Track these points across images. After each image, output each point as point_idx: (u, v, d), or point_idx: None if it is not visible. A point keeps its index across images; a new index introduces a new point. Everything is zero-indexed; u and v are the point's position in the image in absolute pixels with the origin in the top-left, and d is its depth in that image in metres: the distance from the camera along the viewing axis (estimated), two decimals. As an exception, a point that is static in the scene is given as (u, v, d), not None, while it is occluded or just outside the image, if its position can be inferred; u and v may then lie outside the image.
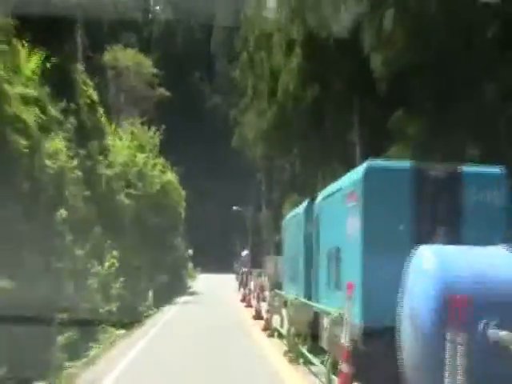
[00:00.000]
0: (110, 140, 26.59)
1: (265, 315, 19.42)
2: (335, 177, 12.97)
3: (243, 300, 32.09)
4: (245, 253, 45.02)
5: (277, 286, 34.62)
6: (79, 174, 17.48)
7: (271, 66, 34.52)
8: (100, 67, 34.14)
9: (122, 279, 19.93)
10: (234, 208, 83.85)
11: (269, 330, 18.11)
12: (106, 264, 18.65)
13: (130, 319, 19.51)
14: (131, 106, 37.02)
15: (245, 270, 40.63)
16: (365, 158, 13.02)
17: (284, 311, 16.43)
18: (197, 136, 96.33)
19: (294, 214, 16.19)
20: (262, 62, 36.64)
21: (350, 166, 16.28)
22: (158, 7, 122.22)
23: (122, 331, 17.93)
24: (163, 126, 40.31)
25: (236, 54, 69.21)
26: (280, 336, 16.72)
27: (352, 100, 28.65)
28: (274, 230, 49.77)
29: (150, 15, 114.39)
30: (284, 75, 31.76)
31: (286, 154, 44.44)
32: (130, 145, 33.22)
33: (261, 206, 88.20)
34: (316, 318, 12.19)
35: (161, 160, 40.98)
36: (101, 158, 21.63)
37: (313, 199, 13.83)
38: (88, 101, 22.39)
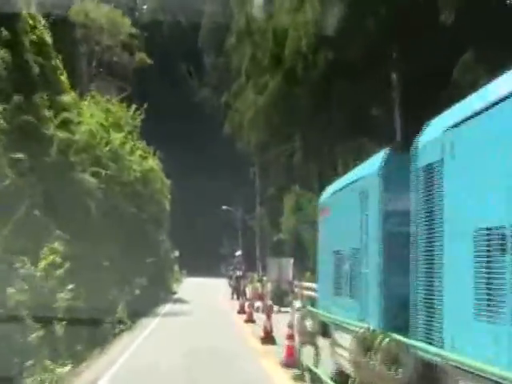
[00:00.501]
0: (72, 107, 20.02)
1: (287, 343, 12.84)
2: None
3: (241, 311, 25.66)
4: (238, 253, 38.21)
5: (280, 294, 28.65)
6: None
7: (275, 27, 28.17)
8: (66, 24, 27.63)
9: (71, 286, 13.33)
10: (224, 208, 77.27)
11: (293, 366, 11.70)
12: (42, 262, 12.08)
13: (83, 344, 12.97)
14: (106, 74, 30.40)
15: (239, 273, 34.05)
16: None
17: (322, 341, 10.09)
18: (183, 130, 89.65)
19: (349, 183, 9.64)
20: (262, 25, 30.29)
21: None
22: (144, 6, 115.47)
23: (66, 368, 11.30)
24: (145, 106, 33.86)
25: (225, 48, 63.39)
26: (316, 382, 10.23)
27: (388, 51, 22.29)
28: (271, 228, 43.04)
29: (137, 13, 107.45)
30: (292, 32, 25.43)
31: (284, 140, 38.14)
32: (102, 122, 26.68)
33: (252, 205, 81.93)
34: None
35: (142, 144, 34.45)
36: (48, 113, 15.07)
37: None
38: (35, 39, 15.91)
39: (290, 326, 12.68)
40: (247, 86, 39.06)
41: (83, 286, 14.59)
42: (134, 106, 32.75)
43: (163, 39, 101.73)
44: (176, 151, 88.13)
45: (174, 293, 41.91)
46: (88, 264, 15.71)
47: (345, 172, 12.64)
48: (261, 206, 53.75)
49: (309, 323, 10.97)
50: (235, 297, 33.55)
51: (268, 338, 15.80)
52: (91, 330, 14.89)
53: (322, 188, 34.77)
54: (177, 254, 72.38)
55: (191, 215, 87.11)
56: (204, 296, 37.28)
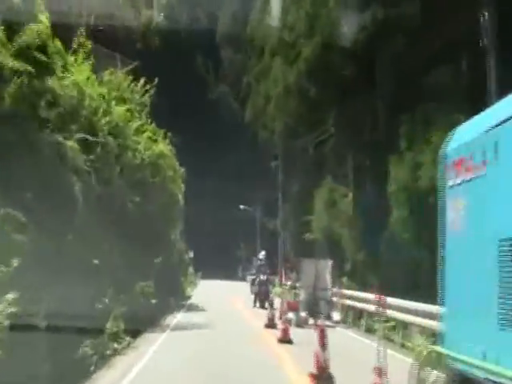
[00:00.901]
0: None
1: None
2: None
3: (270, 325, 20.36)
4: (262, 254, 31.98)
5: (315, 304, 23.15)
6: None
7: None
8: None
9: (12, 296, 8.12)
10: (241, 207, 72.02)
11: None
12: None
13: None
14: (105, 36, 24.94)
15: (263, 278, 28.43)
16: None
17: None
18: (199, 125, 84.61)
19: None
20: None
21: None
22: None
23: None
24: (155, 81, 28.66)
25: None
26: None
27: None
28: (298, 227, 37.71)
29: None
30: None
31: (315, 125, 32.89)
32: (101, 92, 21.53)
33: (272, 204, 76.53)
34: None
35: (151, 126, 29.27)
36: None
37: None
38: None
39: (379, 372, 7.37)
40: (273, 64, 33.93)
41: (46, 290, 9.40)
42: (142, 81, 27.59)
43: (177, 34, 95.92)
44: (190, 146, 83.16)
45: (188, 297, 36.70)
46: (58, 261, 10.56)
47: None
48: (284, 203, 48.33)
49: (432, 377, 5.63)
50: (258, 304, 28.29)
51: (321, 373, 10.47)
52: (57, 357, 9.67)
53: (359, 181, 29.35)
54: (191, 255, 67.54)
55: (205, 214, 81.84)
56: (221, 302, 32.05)
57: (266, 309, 23.24)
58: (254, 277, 28.28)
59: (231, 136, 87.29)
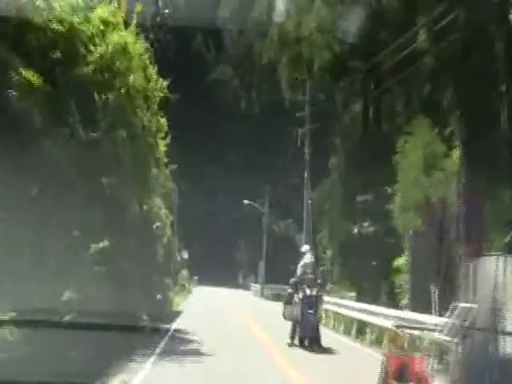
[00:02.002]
0: None
1: None
2: None
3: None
4: (306, 247, 16.26)
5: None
6: None
7: None
8: None
9: None
10: (246, 202, 58.55)
11: None
12: None
13: None
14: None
15: (310, 292, 14.16)
16: None
17: None
18: (196, 111, 71.40)
19: None
20: None
21: None
22: None
23: None
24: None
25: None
26: None
27: None
28: (341, 216, 23.54)
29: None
30: None
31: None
32: None
33: (282, 200, 63.47)
34: None
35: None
36: None
37: None
38: None
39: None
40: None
41: None
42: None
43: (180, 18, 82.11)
44: (187, 136, 70.35)
45: (177, 314, 23.25)
46: None
47: None
48: (310, 189, 34.68)
49: None
50: (297, 341, 14.58)
51: None
52: None
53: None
54: (185, 255, 54.18)
55: (202, 211, 68.57)
56: (228, 326, 18.74)
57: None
58: (291, 290, 13.81)
59: (231, 124, 74.72)
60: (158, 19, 57.21)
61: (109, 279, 10.81)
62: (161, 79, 14.17)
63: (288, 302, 14.48)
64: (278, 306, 29.14)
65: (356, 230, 20.29)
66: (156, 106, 14.32)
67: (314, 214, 32.43)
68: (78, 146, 10.97)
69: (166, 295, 25.40)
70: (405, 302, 15.02)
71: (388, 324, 12.86)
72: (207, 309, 26.84)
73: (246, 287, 64.11)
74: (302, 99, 34.77)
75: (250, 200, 59.23)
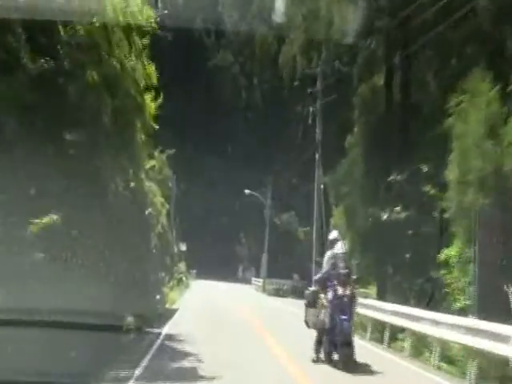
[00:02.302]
0: None
1: None
2: None
3: None
4: (335, 234, 11.55)
5: None
6: None
7: None
8: None
9: None
10: (247, 192, 55.12)
11: None
12: None
13: None
14: None
15: (343, 292, 10.30)
16: None
17: None
18: (194, 97, 67.83)
19: None
20: None
21: None
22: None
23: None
24: None
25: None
26: None
27: None
28: (366, 200, 19.88)
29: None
30: None
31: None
32: None
33: (285, 190, 59.94)
34: None
35: None
36: None
37: None
38: None
39: None
40: None
41: None
42: None
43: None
44: (187, 125, 66.94)
45: (172, 313, 19.78)
46: None
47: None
48: (322, 173, 31.11)
49: None
50: (322, 355, 11.07)
51: None
52: None
53: None
54: (183, 247, 50.86)
55: (202, 203, 65.18)
56: (231, 330, 15.31)
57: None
58: (314, 288, 10.12)
59: (231, 112, 71.26)
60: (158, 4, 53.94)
61: (69, 269, 7.40)
62: (146, 8, 10.51)
63: (311, 304, 10.98)
64: (287, 305, 26.32)
65: (385, 217, 16.76)
66: (141, 45, 10.74)
67: (327, 200, 29.19)
68: (25, 85, 7.54)
69: (159, 291, 22.04)
70: (460, 304, 11.60)
71: (452, 336, 9.49)
72: (206, 307, 23.46)
73: (247, 281, 60.78)
74: (310, 75, 31.14)
75: (252, 190, 55.76)
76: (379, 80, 20.60)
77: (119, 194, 11.55)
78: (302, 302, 11.79)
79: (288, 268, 64.14)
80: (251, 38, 74.14)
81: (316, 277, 11.47)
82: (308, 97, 31.62)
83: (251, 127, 71.11)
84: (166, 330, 14.68)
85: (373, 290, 19.96)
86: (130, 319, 13.05)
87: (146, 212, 22.36)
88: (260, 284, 43.46)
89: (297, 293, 47.01)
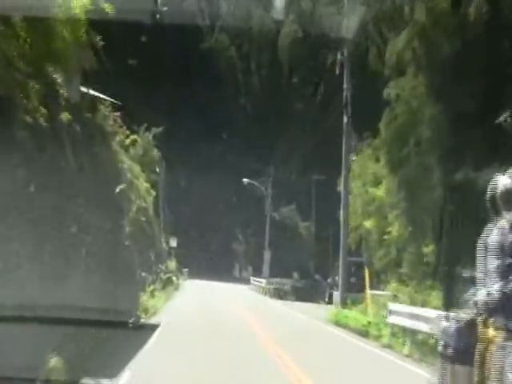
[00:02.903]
0: None
1: None
2: None
3: None
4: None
5: None
6: None
7: None
8: None
9: None
10: (245, 181, 48.63)
11: None
12: None
13: None
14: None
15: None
16: None
17: None
18: (189, 81, 61.06)
19: None
20: None
21: None
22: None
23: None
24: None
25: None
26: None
27: None
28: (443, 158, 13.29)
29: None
30: None
31: None
32: None
33: (286, 179, 53.45)
34: None
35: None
36: None
37: None
38: None
39: None
40: None
41: None
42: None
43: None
44: (181, 111, 60.23)
45: (146, 334, 13.04)
46: None
47: None
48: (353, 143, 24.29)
49: None
50: None
51: None
52: None
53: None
54: (173, 243, 44.42)
55: (196, 195, 58.56)
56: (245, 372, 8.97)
57: None
58: (466, 315, 4.09)
59: (232, 97, 64.77)
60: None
61: None
62: None
63: (462, 354, 4.55)
64: (310, 317, 20.10)
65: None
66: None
67: (356, 176, 23.28)
68: None
69: (134, 299, 15.55)
70: None
71: None
72: (200, 320, 16.86)
73: (244, 281, 54.30)
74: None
75: (251, 180, 49.32)
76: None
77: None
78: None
79: (288, 266, 57.65)
80: (248, 20, 67.82)
81: (478, 274, 4.67)
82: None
83: (250, 113, 64.80)
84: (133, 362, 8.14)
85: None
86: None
87: (117, 189, 16.02)
88: (262, 285, 37.00)
89: (298, 293, 40.69)
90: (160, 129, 36.45)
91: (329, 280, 35.54)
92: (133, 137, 28.13)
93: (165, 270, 35.19)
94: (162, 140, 38.72)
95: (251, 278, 46.02)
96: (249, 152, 57.62)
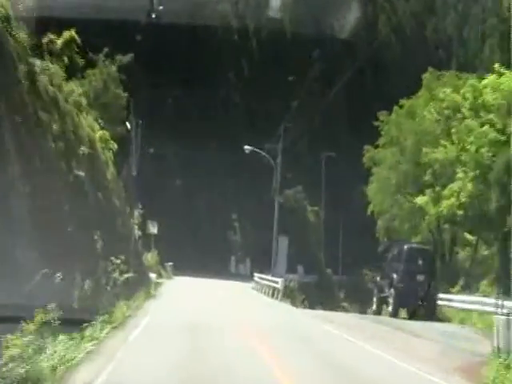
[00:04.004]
0: None
1: None
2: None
3: None
4: None
5: None
6: None
7: None
8: None
9: None
10: (247, 149, 36.53)
11: None
12: None
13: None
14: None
15: None
16: None
17: None
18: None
19: None
20: None
21: None
22: None
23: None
24: None
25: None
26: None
27: None
28: None
29: None
30: None
31: None
32: None
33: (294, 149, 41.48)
34: None
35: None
36: None
37: None
38: None
39: None
40: None
41: None
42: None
43: None
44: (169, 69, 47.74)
45: None
46: None
47: None
48: None
49: None
50: None
51: None
52: None
53: None
54: (153, 229, 32.57)
55: (182, 169, 46.23)
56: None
57: None
58: None
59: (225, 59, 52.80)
60: None
61: None
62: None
63: None
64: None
65: None
66: None
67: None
68: None
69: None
70: None
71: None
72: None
73: (242, 277, 43.62)
74: None
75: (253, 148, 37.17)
76: None
77: None
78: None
79: (295, 257, 46.95)
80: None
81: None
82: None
83: (247, 77, 53.02)
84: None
85: None
86: None
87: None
88: (278, 285, 24.83)
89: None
90: (129, 56, 24.53)
91: (376, 278, 23.79)
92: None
93: (141, 265, 23.54)
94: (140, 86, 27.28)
95: (255, 274, 33.99)
96: (249, 118, 45.88)
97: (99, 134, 18.13)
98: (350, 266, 47.57)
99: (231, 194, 49.22)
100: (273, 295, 26.17)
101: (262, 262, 40.87)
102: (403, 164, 28.72)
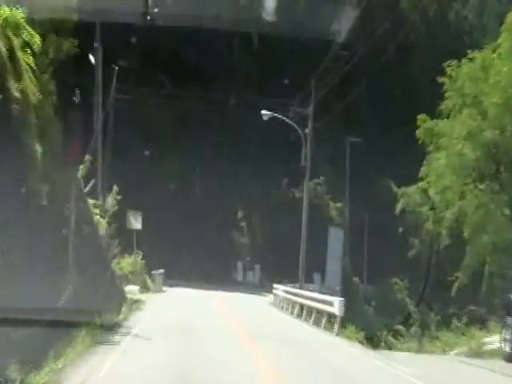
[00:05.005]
0: None
1: None
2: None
3: None
4: None
5: None
6: None
7: None
8: None
9: None
10: (265, 114, 26.58)
11: None
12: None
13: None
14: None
15: None
16: None
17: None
18: None
19: None
20: None
21: None
22: None
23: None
24: None
25: None
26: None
27: None
28: None
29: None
30: None
31: None
32: None
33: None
34: None
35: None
36: None
37: None
38: None
39: None
40: None
41: None
42: None
43: None
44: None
45: None
46: None
47: None
48: None
49: None
50: None
51: None
52: None
53: None
54: (137, 223, 22.41)
55: (177, 148, 36.15)
56: None
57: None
58: None
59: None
60: None
61: None
62: None
63: None
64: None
65: None
66: None
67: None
68: None
69: None
70: None
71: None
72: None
73: (251, 287, 35.79)
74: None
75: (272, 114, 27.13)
76: None
77: None
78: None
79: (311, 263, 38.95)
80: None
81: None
82: None
83: (244, 77, 43.92)
84: None
85: None
86: None
87: None
88: (332, 308, 14.51)
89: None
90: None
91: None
92: None
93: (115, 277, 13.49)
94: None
95: (277, 286, 23.65)
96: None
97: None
98: (375, 273, 39.75)
99: (237, 189, 40.44)
100: (318, 323, 16.01)
101: (275, 270, 34.13)
102: (487, 131, 18.87)
